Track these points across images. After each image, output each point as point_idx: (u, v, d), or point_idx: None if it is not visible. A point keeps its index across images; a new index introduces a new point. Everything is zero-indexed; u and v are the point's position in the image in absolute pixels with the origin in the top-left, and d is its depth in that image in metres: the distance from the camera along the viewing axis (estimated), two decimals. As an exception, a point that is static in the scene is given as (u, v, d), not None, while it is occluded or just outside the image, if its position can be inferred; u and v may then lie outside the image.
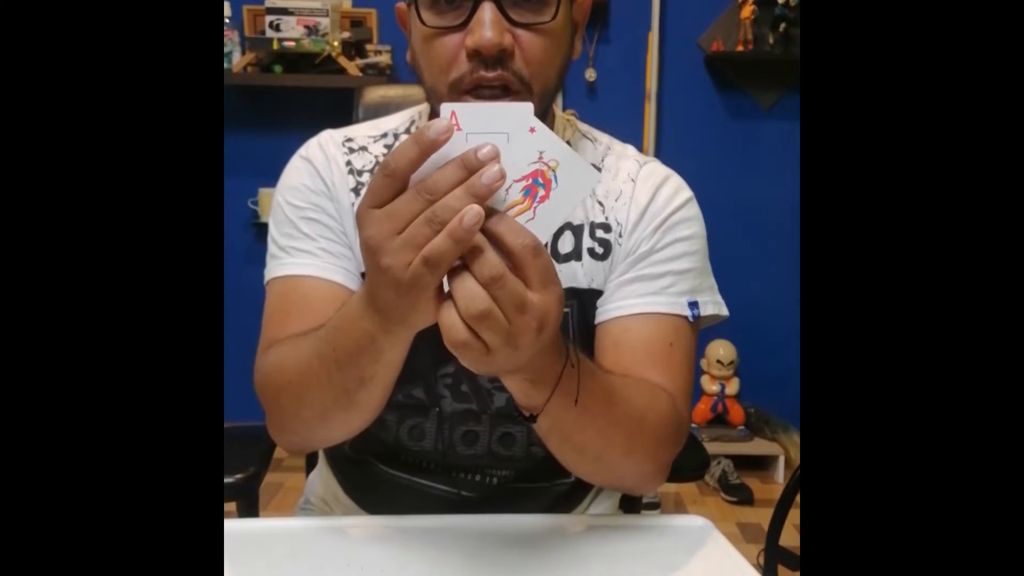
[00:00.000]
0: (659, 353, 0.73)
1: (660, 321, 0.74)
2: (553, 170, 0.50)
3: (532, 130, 0.50)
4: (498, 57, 0.65)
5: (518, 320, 0.49)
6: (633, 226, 0.77)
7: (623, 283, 0.76)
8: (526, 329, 0.49)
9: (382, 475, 0.82)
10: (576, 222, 0.78)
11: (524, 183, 0.50)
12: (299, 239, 0.76)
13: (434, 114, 0.76)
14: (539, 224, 0.50)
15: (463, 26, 0.65)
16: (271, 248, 0.78)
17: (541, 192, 0.50)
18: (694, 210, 0.80)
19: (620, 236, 0.77)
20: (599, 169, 0.80)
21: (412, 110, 0.84)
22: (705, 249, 0.80)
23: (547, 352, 0.56)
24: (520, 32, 0.66)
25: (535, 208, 0.50)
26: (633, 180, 0.79)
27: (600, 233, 0.77)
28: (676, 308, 0.75)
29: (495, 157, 0.48)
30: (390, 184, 0.49)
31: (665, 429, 0.69)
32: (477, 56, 0.65)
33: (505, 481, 0.81)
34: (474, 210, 0.47)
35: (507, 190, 0.50)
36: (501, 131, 0.49)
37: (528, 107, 0.50)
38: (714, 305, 0.78)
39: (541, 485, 0.82)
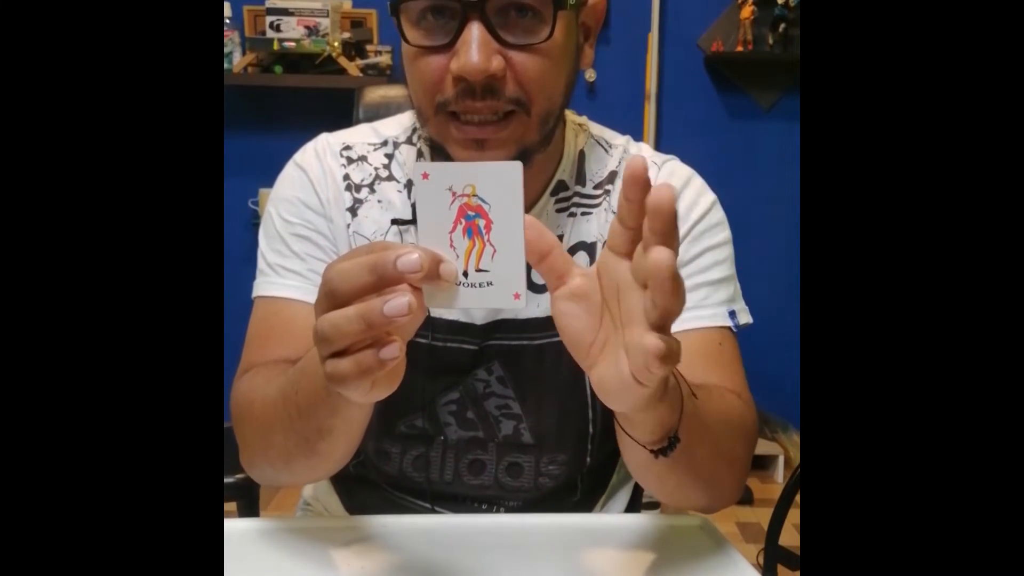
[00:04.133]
0: (712, 356, 0.70)
1: (706, 333, 0.71)
2: (474, 194, 0.45)
3: (425, 176, 0.46)
4: (487, 84, 0.59)
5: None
6: None
7: None
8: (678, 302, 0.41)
9: (388, 496, 0.80)
10: (590, 239, 0.74)
11: (460, 226, 0.46)
12: (288, 258, 0.73)
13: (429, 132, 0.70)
14: (506, 249, 0.46)
15: (449, 46, 0.59)
16: (260, 263, 0.75)
17: (482, 222, 0.46)
18: (719, 214, 0.76)
19: None
20: (616, 175, 0.75)
21: (412, 114, 0.79)
22: (732, 254, 0.76)
23: None
24: (513, 53, 0.60)
25: (488, 239, 0.46)
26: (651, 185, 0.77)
27: None
28: (717, 320, 0.72)
29: (418, 269, 0.43)
30: (329, 305, 0.44)
31: (747, 424, 0.66)
32: (463, 82, 0.59)
33: (513, 510, 0.78)
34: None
35: (452, 247, 0.46)
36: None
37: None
38: (745, 314, 0.76)
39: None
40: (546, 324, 0.73)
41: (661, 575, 0.64)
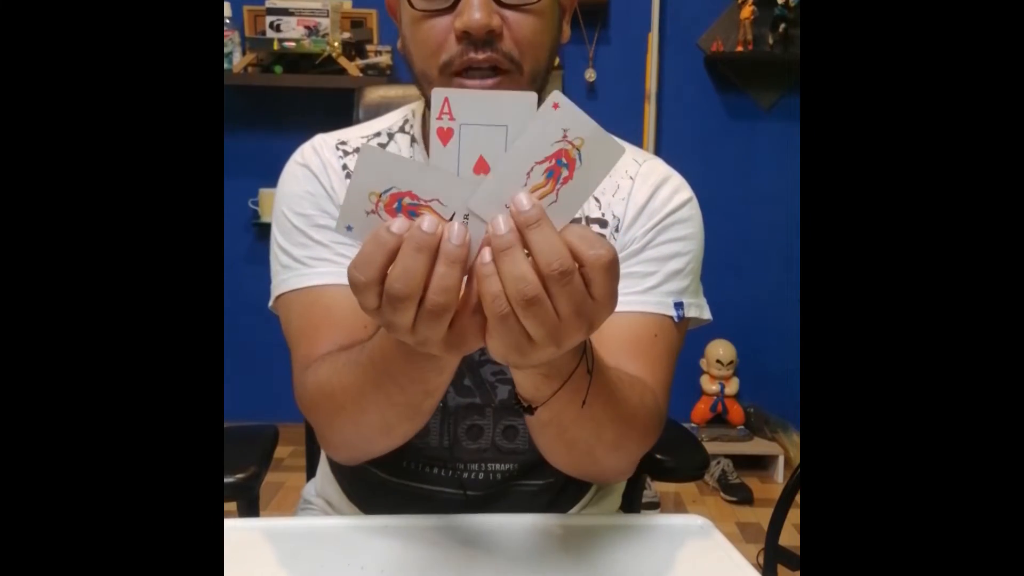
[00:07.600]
0: (643, 344, 0.73)
1: (644, 318, 0.74)
2: (578, 148, 0.47)
3: (556, 106, 0.46)
4: (487, 38, 0.65)
5: (571, 321, 0.47)
6: (630, 223, 0.77)
7: None
8: (575, 332, 0.47)
9: (386, 482, 0.82)
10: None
11: (547, 164, 0.47)
12: (313, 247, 0.74)
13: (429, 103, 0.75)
14: (561, 207, 0.48)
15: (451, 8, 0.66)
16: (282, 260, 0.76)
17: (564, 173, 0.47)
18: (692, 211, 0.79)
19: (616, 231, 0.77)
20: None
21: (405, 108, 0.83)
22: (700, 251, 0.79)
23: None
24: (508, 13, 0.66)
25: (558, 191, 0.47)
26: (632, 177, 0.79)
27: (595, 228, 0.77)
28: (661, 308, 0.75)
29: (465, 243, 0.46)
30: (363, 288, 0.47)
31: (649, 424, 0.69)
32: (467, 38, 0.65)
33: (508, 476, 0.81)
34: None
35: (528, 173, 0.47)
36: (499, 123, 0.47)
37: (531, 97, 0.47)
38: (696, 308, 0.78)
39: (546, 482, 0.82)
40: None
41: (661, 575, 0.64)
